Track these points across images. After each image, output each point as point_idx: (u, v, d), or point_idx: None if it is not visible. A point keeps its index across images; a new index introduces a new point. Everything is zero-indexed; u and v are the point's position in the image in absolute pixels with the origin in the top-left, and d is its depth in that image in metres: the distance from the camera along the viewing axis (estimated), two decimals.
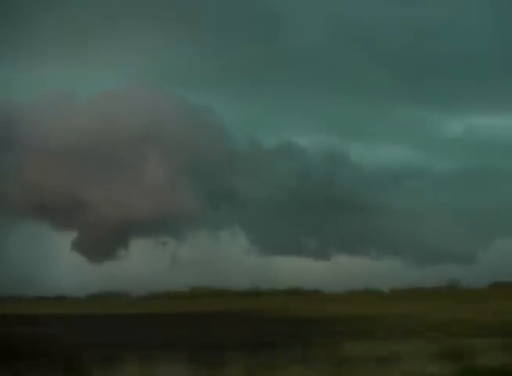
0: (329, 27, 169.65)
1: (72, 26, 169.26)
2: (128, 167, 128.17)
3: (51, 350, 27.11)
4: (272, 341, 29.26)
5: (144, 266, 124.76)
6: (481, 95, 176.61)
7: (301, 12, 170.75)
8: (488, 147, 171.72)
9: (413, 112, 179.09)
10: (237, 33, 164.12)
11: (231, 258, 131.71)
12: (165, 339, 31.98)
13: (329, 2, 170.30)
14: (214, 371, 19.30)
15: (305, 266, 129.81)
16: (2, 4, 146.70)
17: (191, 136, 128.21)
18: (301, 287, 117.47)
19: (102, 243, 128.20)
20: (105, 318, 57.46)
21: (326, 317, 50.76)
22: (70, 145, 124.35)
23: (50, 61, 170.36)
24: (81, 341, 31.76)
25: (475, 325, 37.46)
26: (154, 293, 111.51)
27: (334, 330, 36.98)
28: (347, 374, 19.09)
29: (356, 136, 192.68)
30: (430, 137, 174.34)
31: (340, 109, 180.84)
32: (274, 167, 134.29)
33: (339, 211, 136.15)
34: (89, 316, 61.59)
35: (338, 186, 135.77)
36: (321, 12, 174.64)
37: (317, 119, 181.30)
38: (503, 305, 59.21)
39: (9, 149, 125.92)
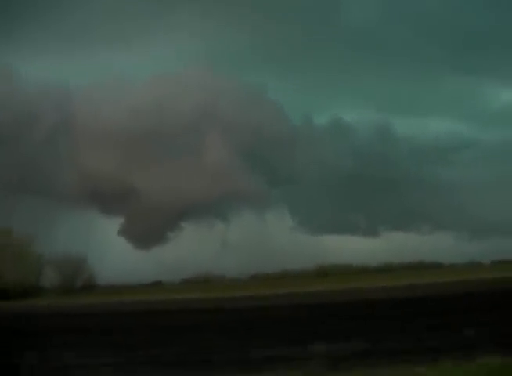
0: (377, 4, 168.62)
1: (126, 9, 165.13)
2: (184, 150, 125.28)
3: None
4: None
5: (198, 249, 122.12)
6: None
7: None
8: None
9: (463, 84, 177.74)
10: (287, 13, 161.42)
11: (280, 238, 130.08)
12: None
13: None
14: None
15: (358, 244, 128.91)
16: None
17: (247, 116, 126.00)
18: (422, 261, 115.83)
19: (152, 228, 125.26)
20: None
21: None
22: (125, 129, 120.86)
23: (102, 44, 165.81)
24: None
25: None
26: (262, 274, 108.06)
27: None
28: None
29: (406, 111, 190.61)
30: (481, 108, 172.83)
31: (389, 84, 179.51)
32: (325, 144, 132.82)
33: (388, 187, 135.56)
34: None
35: (387, 161, 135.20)
36: None
37: (366, 94, 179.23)
38: None
39: (62, 134, 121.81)
